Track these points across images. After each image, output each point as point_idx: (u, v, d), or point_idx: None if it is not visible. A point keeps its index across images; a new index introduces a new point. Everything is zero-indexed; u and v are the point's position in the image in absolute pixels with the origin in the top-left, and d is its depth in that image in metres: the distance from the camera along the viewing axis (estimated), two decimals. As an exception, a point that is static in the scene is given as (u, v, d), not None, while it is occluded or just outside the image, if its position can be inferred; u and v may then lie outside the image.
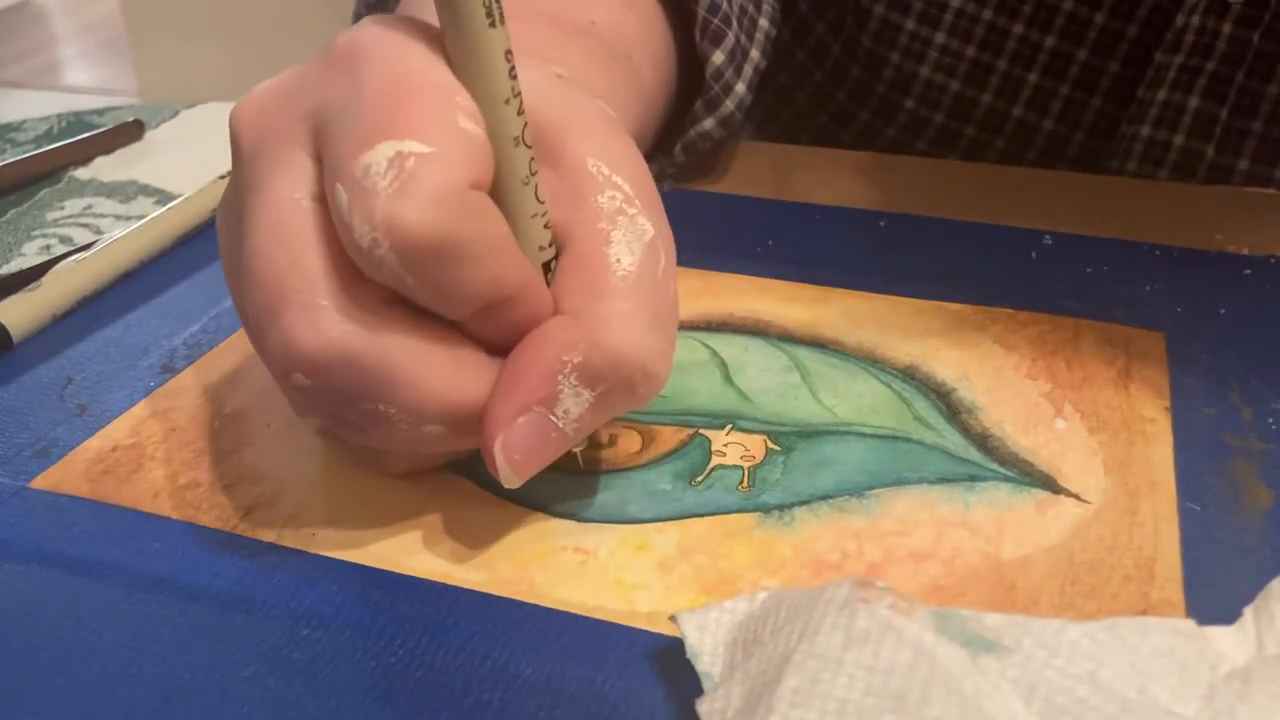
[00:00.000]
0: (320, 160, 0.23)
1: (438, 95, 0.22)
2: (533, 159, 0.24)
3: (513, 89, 0.23)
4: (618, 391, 0.24)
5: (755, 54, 0.42)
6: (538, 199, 0.24)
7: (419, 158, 0.21)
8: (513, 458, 0.23)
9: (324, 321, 0.22)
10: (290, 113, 0.24)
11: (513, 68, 0.23)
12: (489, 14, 0.22)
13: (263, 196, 0.23)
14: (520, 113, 0.23)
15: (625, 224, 0.24)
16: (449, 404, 0.23)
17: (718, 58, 0.39)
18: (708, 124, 0.40)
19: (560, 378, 0.23)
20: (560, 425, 0.23)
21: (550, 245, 0.24)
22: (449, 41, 0.23)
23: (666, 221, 0.26)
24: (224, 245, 0.26)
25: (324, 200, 0.23)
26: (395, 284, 0.22)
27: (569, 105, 0.25)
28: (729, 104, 0.40)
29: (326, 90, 0.23)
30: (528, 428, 0.23)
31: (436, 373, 0.23)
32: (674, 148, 0.41)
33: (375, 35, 0.23)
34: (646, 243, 0.24)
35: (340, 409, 0.23)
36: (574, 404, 0.23)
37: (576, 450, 0.27)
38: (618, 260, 0.24)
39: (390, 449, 0.26)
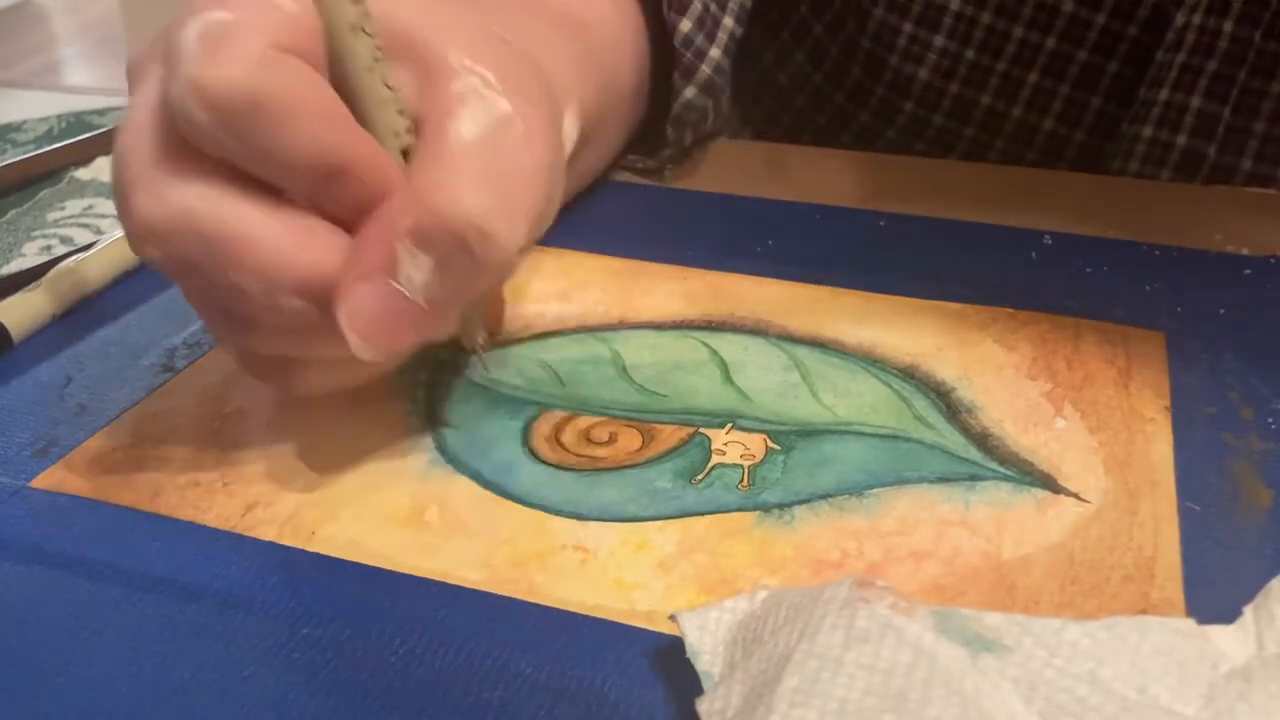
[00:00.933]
0: None
1: None
2: (379, 48, 0.25)
3: None
4: (457, 255, 0.24)
5: (729, 21, 0.42)
6: (387, 86, 0.25)
7: (224, 24, 0.23)
8: (358, 325, 0.24)
9: (165, 191, 0.24)
10: (157, 40, 0.25)
11: None
12: None
13: (129, 109, 0.25)
14: (358, 2, 0.24)
15: (476, 102, 0.25)
16: (300, 272, 0.24)
17: (685, 25, 0.40)
18: (689, 93, 0.41)
19: (397, 244, 0.24)
20: (406, 293, 0.24)
21: (409, 133, 0.25)
22: None
23: (544, 113, 0.26)
24: None
25: None
26: (217, 147, 0.23)
27: (448, 18, 0.26)
28: (705, 69, 0.41)
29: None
30: (371, 295, 0.24)
31: (283, 240, 0.24)
32: (665, 129, 0.41)
33: None
34: (497, 117, 0.25)
35: (200, 287, 0.25)
36: (415, 270, 0.24)
37: (479, 351, 0.29)
38: (458, 133, 0.25)
39: (286, 353, 0.27)
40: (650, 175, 0.43)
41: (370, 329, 0.24)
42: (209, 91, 0.22)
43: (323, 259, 0.24)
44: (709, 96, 0.41)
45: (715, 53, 0.41)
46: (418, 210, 0.24)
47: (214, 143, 0.23)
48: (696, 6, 0.40)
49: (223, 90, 0.22)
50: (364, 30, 0.24)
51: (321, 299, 0.24)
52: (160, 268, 0.25)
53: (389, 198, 0.24)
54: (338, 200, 0.24)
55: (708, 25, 0.41)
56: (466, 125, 0.25)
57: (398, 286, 0.24)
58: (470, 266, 0.24)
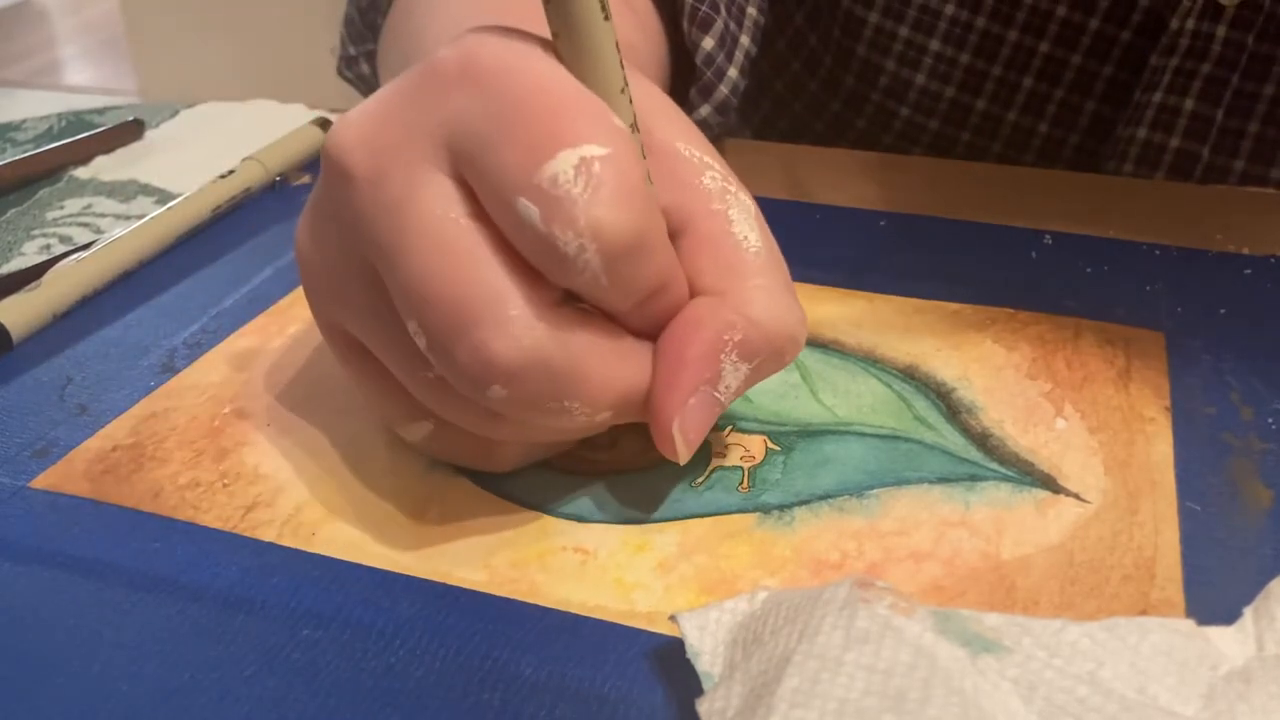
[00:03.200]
0: (462, 180, 0.23)
1: (588, 99, 0.22)
2: (641, 146, 0.24)
3: (624, 79, 0.23)
4: (770, 361, 0.25)
5: (745, 40, 0.42)
6: (649, 182, 0.24)
7: (602, 160, 0.21)
8: (688, 437, 0.24)
9: (518, 331, 0.22)
10: (413, 134, 0.23)
11: (621, 57, 0.23)
12: (603, 7, 0.23)
13: (409, 220, 0.23)
14: (631, 101, 0.24)
15: (734, 202, 0.25)
16: (622, 391, 0.24)
17: (707, 43, 0.40)
18: (704, 111, 0.41)
19: (722, 356, 0.24)
20: (722, 400, 0.25)
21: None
22: (562, 42, 0.23)
23: (752, 197, 0.27)
24: (318, 263, 0.26)
25: (481, 218, 0.23)
26: (589, 285, 0.22)
27: (645, 91, 0.26)
28: (723, 89, 0.40)
29: (451, 107, 0.23)
30: (699, 407, 0.24)
31: (612, 364, 0.24)
32: None
33: (488, 48, 0.23)
34: (757, 221, 0.26)
35: (527, 413, 0.23)
36: (733, 378, 0.25)
37: None
38: (745, 238, 0.25)
39: (524, 440, 0.26)
40: None
41: (696, 437, 0.24)
42: (611, 235, 0.22)
43: (637, 375, 0.24)
44: (723, 116, 0.41)
45: (733, 73, 0.41)
46: (745, 326, 0.24)
47: (591, 280, 0.22)
48: (719, 25, 0.40)
49: (625, 233, 0.22)
50: (636, 129, 0.24)
51: (625, 408, 0.24)
52: (502, 406, 0.23)
53: (681, 306, 0.25)
54: (646, 312, 0.24)
55: (728, 44, 0.41)
56: (749, 232, 0.25)
57: (718, 396, 0.24)
58: (775, 368, 0.26)
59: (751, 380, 0.25)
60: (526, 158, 0.21)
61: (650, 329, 0.25)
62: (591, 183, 0.21)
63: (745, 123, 0.58)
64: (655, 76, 0.38)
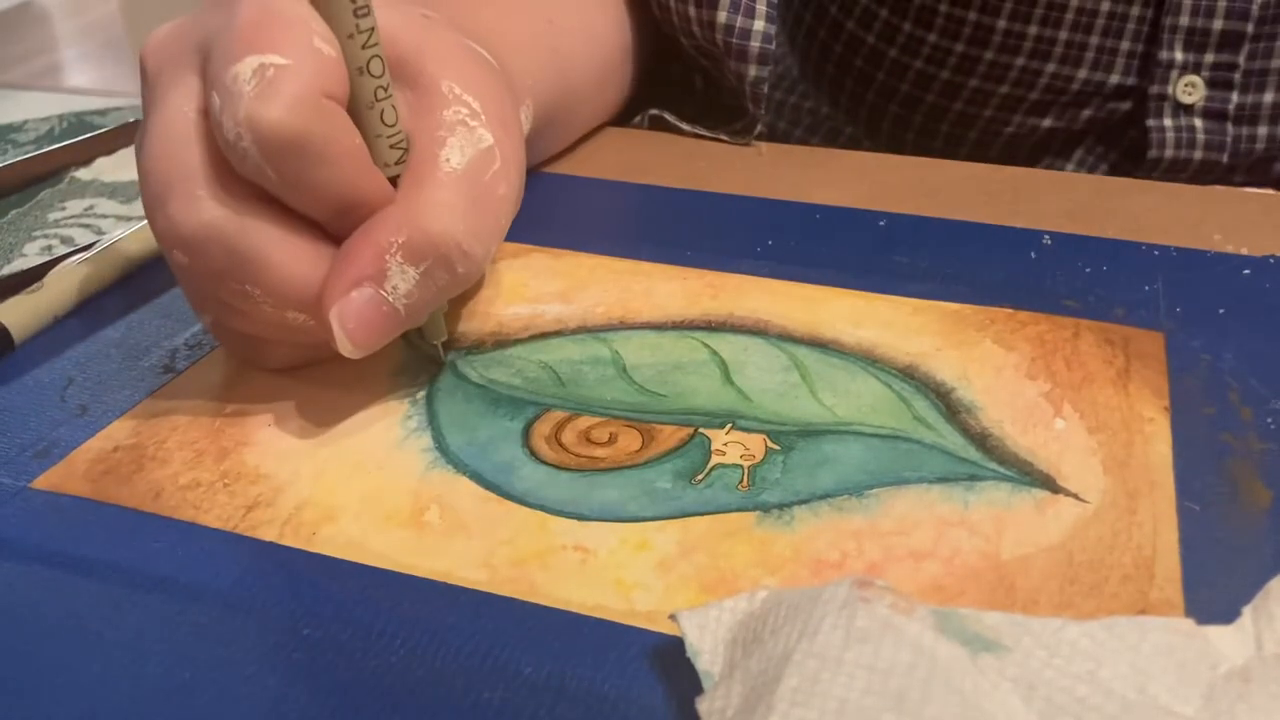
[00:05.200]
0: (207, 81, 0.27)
1: (296, 21, 0.26)
2: (380, 88, 0.27)
3: (358, 27, 0.27)
4: (439, 269, 0.27)
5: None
6: (384, 122, 0.28)
7: (278, 68, 0.25)
8: (347, 326, 0.26)
9: (200, 206, 0.26)
10: (184, 43, 0.28)
11: (359, 8, 0.27)
12: None
13: (158, 111, 0.27)
14: (366, 47, 0.27)
15: (463, 132, 0.28)
16: (308, 293, 0.27)
17: (721, 16, 0.43)
18: (752, 71, 0.43)
19: (387, 256, 0.27)
20: (390, 300, 0.27)
21: (399, 163, 0.28)
22: None
23: (517, 142, 0.30)
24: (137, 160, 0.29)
25: (207, 112, 0.26)
26: (259, 177, 0.26)
27: (430, 37, 0.29)
28: (754, 44, 0.43)
29: (211, 23, 0.27)
30: (360, 300, 0.27)
31: (297, 260, 0.27)
32: (746, 110, 0.45)
33: None
34: (481, 149, 0.28)
35: (215, 288, 0.27)
36: (401, 280, 0.27)
37: (438, 343, 0.31)
38: (447, 160, 0.28)
39: (268, 336, 0.30)
40: (739, 139, 0.46)
41: (357, 331, 0.27)
42: (262, 129, 0.25)
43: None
44: (764, 66, 0.44)
45: (759, 25, 0.43)
46: (410, 230, 0.27)
47: (256, 171, 0.26)
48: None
49: (275, 130, 0.25)
50: (370, 72, 0.27)
51: (318, 314, 0.27)
52: (187, 277, 0.28)
53: (372, 218, 0.27)
54: (345, 225, 0.27)
55: (743, 4, 0.43)
56: (455, 154, 0.28)
57: (384, 294, 0.27)
58: (447, 280, 0.28)
59: (426, 288, 0.27)
60: (225, 59, 0.26)
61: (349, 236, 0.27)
62: (261, 84, 0.25)
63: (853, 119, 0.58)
64: (601, 41, 0.44)
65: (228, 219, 0.26)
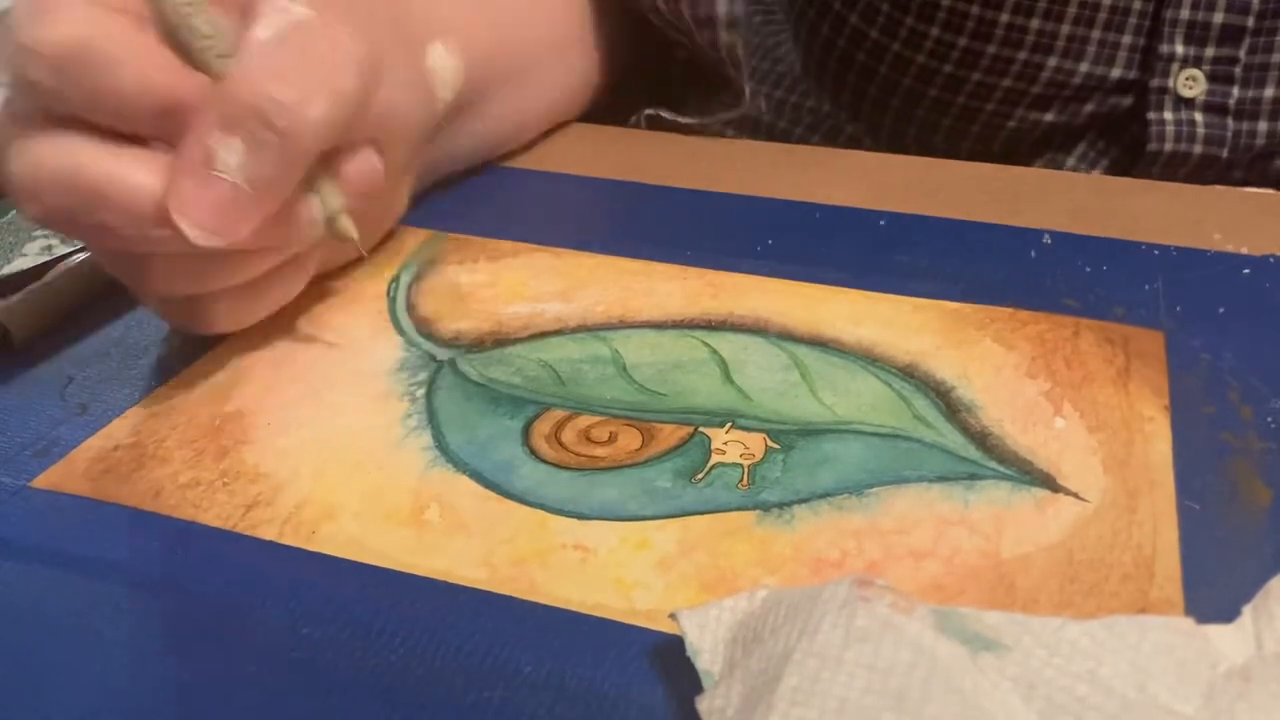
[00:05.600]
0: None
1: None
2: (187, 2, 0.27)
3: None
4: (261, 129, 0.26)
5: None
6: (202, 34, 0.27)
7: None
8: (191, 215, 0.26)
9: (27, 152, 0.26)
10: None
11: None
12: None
13: None
14: None
15: (273, 12, 0.27)
16: (156, 199, 0.26)
17: None
18: (724, 36, 0.44)
19: (205, 136, 0.26)
20: (228, 178, 0.26)
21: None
22: None
23: (352, 19, 0.29)
24: None
25: None
26: (59, 102, 0.26)
27: None
28: (720, 10, 0.44)
29: None
30: (194, 186, 0.26)
31: (135, 176, 0.27)
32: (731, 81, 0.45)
33: None
34: (294, 19, 0.27)
35: (77, 233, 0.28)
36: (229, 154, 0.26)
37: (353, 239, 0.30)
38: (254, 35, 0.27)
39: (178, 288, 0.29)
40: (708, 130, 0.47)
41: (203, 218, 0.26)
42: (40, 48, 0.25)
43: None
44: (734, 28, 0.44)
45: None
46: (219, 102, 0.26)
47: (55, 98, 0.26)
48: None
49: (51, 44, 0.25)
50: None
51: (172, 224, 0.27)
52: (50, 225, 0.29)
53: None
54: (176, 135, 0.27)
55: None
56: (261, 28, 0.27)
57: (218, 174, 0.26)
58: (276, 141, 0.27)
59: (261, 155, 0.26)
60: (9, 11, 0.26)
61: None
62: (32, 9, 0.26)
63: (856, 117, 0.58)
64: (551, 15, 0.45)
65: (55, 153, 0.26)
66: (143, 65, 0.26)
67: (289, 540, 0.26)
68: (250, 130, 0.26)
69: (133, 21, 0.27)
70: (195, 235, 0.26)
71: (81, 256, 0.36)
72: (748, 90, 0.45)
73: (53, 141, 0.26)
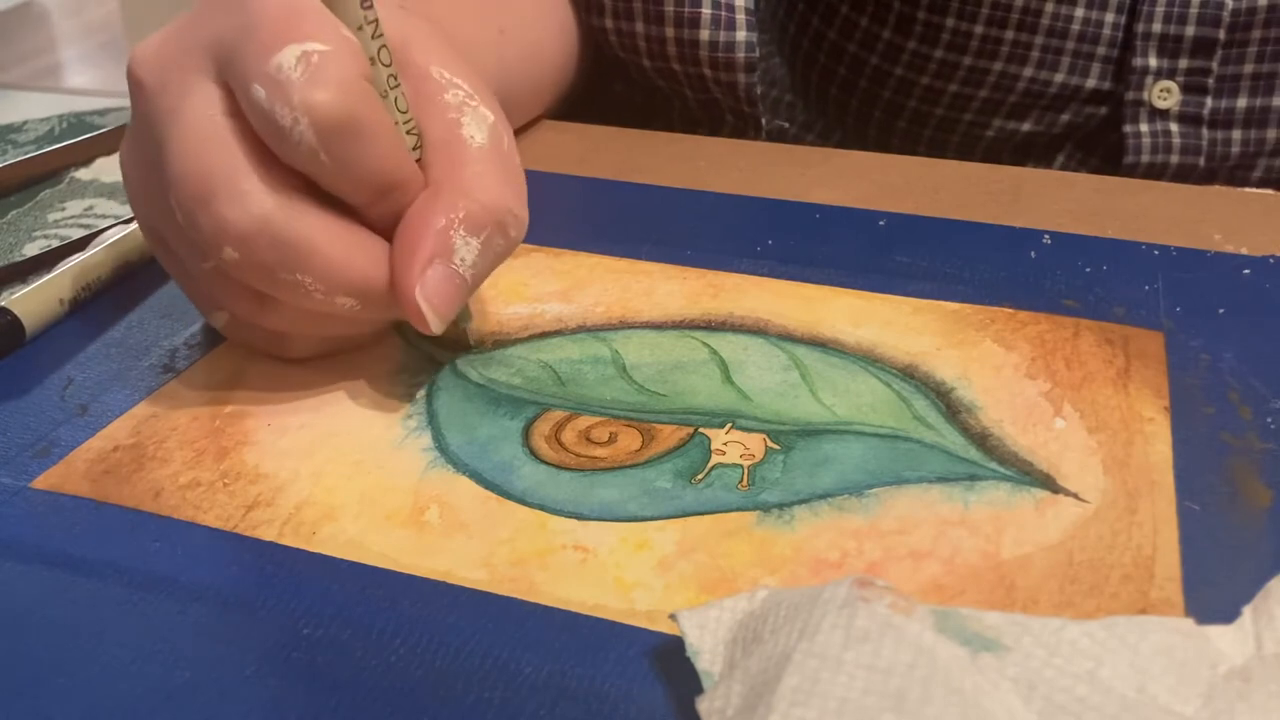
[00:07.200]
0: (225, 85, 0.27)
1: (321, 13, 0.27)
2: (391, 76, 0.29)
3: (365, 18, 0.28)
4: (496, 235, 0.29)
5: None
6: (399, 109, 0.29)
7: (321, 54, 0.26)
8: (432, 302, 0.28)
9: (250, 201, 0.26)
10: (189, 49, 0.28)
11: (364, 1, 0.28)
12: None
13: (179, 119, 0.27)
14: (374, 37, 0.28)
15: (469, 112, 0.30)
16: (357, 275, 0.28)
17: (704, 35, 0.45)
18: (742, 79, 0.45)
19: (451, 231, 0.28)
20: (460, 271, 0.28)
21: (416, 149, 0.29)
22: None
23: (503, 114, 0.31)
24: (134, 175, 0.30)
25: (237, 115, 0.27)
26: (310, 162, 0.26)
27: (409, 27, 0.30)
28: (740, 55, 0.45)
29: (218, 25, 0.27)
30: (437, 277, 0.28)
31: (345, 247, 0.28)
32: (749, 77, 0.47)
33: None
34: (490, 124, 0.30)
35: (260, 282, 0.28)
36: (466, 251, 0.28)
37: (464, 326, 0.32)
38: (471, 137, 0.29)
39: (299, 330, 0.30)
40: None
41: (440, 305, 0.28)
42: (319, 112, 0.26)
43: (376, 263, 0.28)
44: (752, 71, 0.46)
45: (741, 35, 0.46)
46: (468, 202, 0.28)
47: (308, 157, 0.26)
48: None
49: (330, 112, 0.26)
50: (380, 61, 0.28)
51: (368, 295, 0.28)
52: (235, 271, 0.28)
53: (422, 200, 0.28)
54: (384, 211, 0.28)
55: (723, 19, 0.45)
56: (476, 132, 0.29)
57: (454, 267, 0.28)
58: (503, 245, 0.29)
59: (487, 255, 0.29)
60: (261, 51, 0.26)
61: (391, 227, 0.28)
62: (310, 70, 0.26)
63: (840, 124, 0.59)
64: (543, 70, 0.46)
65: (277, 211, 0.27)
66: (392, 146, 0.27)
67: (289, 541, 0.26)
68: (489, 234, 0.28)
69: (377, 95, 0.27)
70: (433, 321, 0.28)
71: (115, 232, 0.36)
72: (764, 119, 0.47)
73: (276, 194, 0.27)
